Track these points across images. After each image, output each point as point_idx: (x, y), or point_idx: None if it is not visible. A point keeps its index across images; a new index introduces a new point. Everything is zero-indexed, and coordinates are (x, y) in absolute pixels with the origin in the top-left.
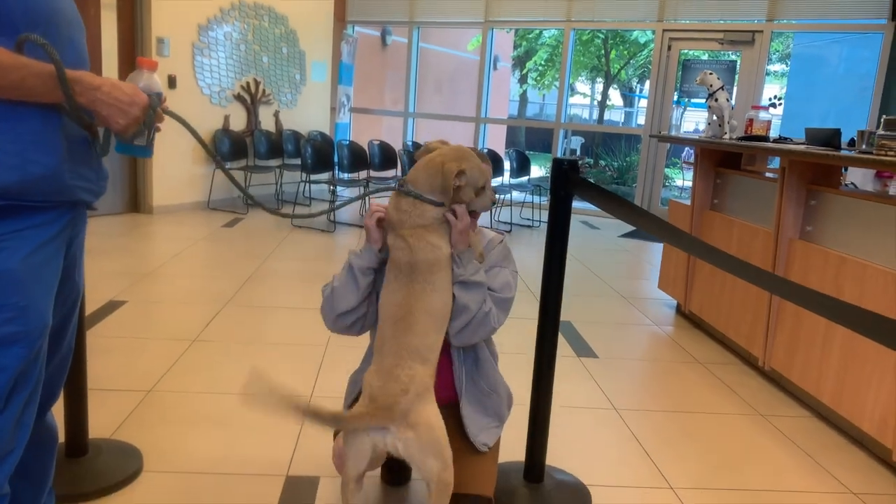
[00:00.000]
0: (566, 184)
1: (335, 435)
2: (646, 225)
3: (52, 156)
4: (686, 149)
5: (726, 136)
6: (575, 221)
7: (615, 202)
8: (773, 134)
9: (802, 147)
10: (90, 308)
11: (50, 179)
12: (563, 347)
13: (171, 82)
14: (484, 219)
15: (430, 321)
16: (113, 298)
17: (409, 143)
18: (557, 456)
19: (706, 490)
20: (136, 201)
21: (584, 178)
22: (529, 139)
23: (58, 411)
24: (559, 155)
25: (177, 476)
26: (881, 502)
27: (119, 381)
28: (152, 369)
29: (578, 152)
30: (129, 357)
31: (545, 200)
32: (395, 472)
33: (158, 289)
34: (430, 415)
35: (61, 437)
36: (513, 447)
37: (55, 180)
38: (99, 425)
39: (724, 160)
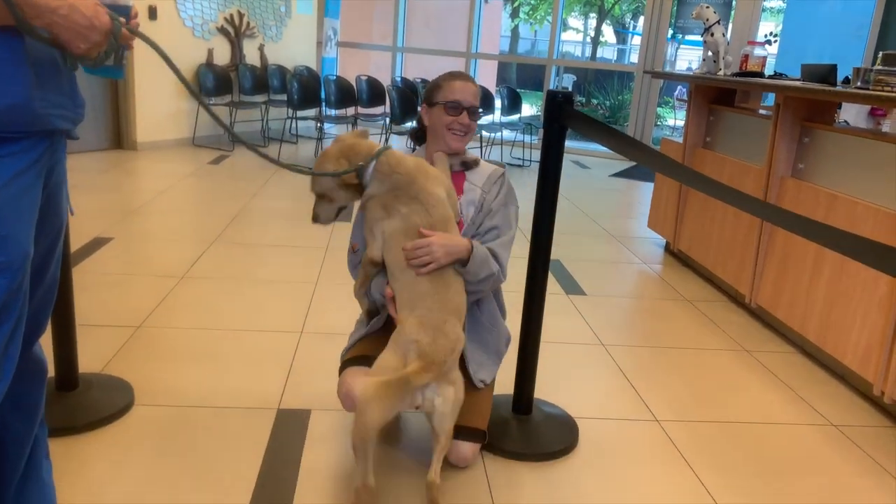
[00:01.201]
0: (560, 116)
1: (340, 371)
2: (640, 157)
3: (20, 85)
4: (679, 87)
5: (721, 73)
6: (565, 161)
7: (610, 134)
8: (769, 72)
9: (798, 83)
10: (75, 244)
11: (20, 109)
12: (551, 285)
13: (152, 13)
14: None
15: (460, 280)
16: (99, 235)
17: (398, 79)
18: (545, 389)
19: (690, 422)
20: (119, 137)
21: (578, 110)
22: (521, 76)
23: (47, 346)
24: None
25: (168, 409)
26: (860, 433)
27: (107, 317)
28: (141, 305)
29: (571, 90)
30: (116, 293)
31: (536, 140)
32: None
33: (145, 226)
34: (460, 374)
35: (52, 372)
36: (502, 381)
37: (25, 110)
38: (89, 360)
39: (717, 97)
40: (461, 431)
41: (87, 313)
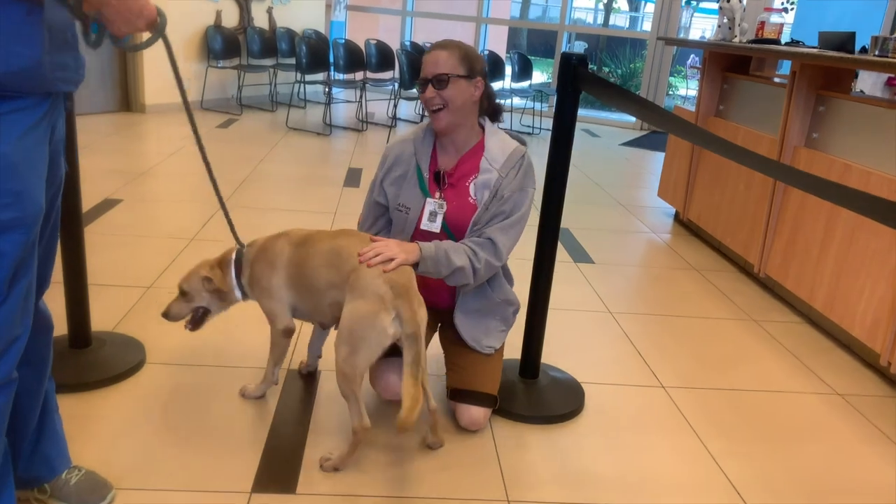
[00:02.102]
0: (574, 79)
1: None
2: (653, 118)
3: (35, 48)
4: (692, 55)
5: (736, 39)
6: (576, 129)
7: (624, 97)
8: (785, 39)
9: (815, 51)
10: (85, 206)
11: (31, 73)
12: (560, 253)
13: None
14: None
15: None
16: (108, 196)
17: (407, 43)
18: (553, 355)
19: (695, 389)
20: (127, 100)
21: (592, 72)
22: (531, 42)
23: (60, 305)
24: None
25: (179, 368)
26: (866, 403)
27: (119, 277)
28: (151, 266)
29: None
30: (127, 254)
31: (546, 108)
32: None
33: (154, 188)
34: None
35: (65, 330)
36: (509, 346)
37: (36, 74)
38: (101, 319)
39: (732, 65)
40: (473, 396)
41: (98, 273)
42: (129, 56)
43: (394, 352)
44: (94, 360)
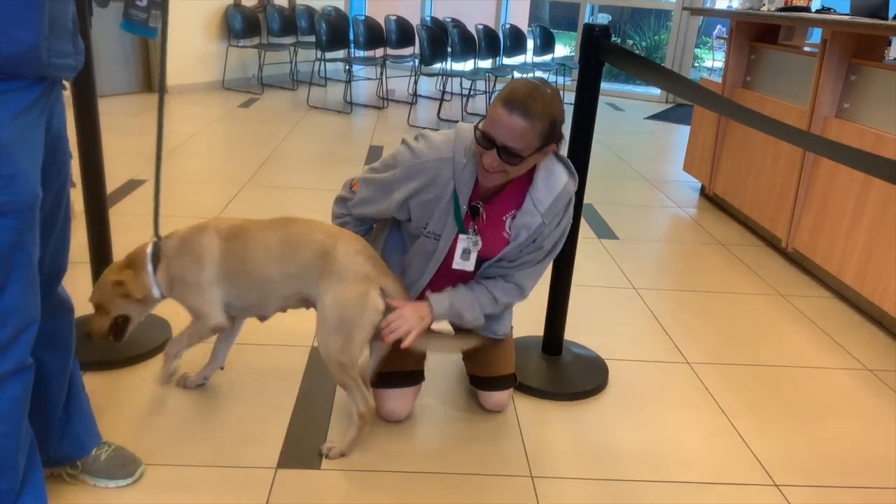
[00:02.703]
0: (597, 51)
1: (372, 383)
2: (677, 88)
3: (32, 32)
4: (718, 25)
5: (765, 8)
6: (600, 103)
7: (648, 68)
8: (815, 6)
9: (846, 17)
10: (111, 186)
11: (27, 56)
12: (583, 229)
13: None
14: None
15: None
16: (133, 177)
17: (428, 19)
18: (576, 332)
19: (722, 365)
20: (149, 80)
21: (615, 44)
22: (553, 15)
23: (86, 284)
24: None
25: (204, 345)
26: None
27: None
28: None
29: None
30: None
31: (569, 81)
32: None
33: (177, 168)
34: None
35: (91, 310)
36: (533, 323)
37: (32, 57)
38: None
39: (760, 34)
40: (495, 382)
41: (123, 253)
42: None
43: (395, 381)
44: None
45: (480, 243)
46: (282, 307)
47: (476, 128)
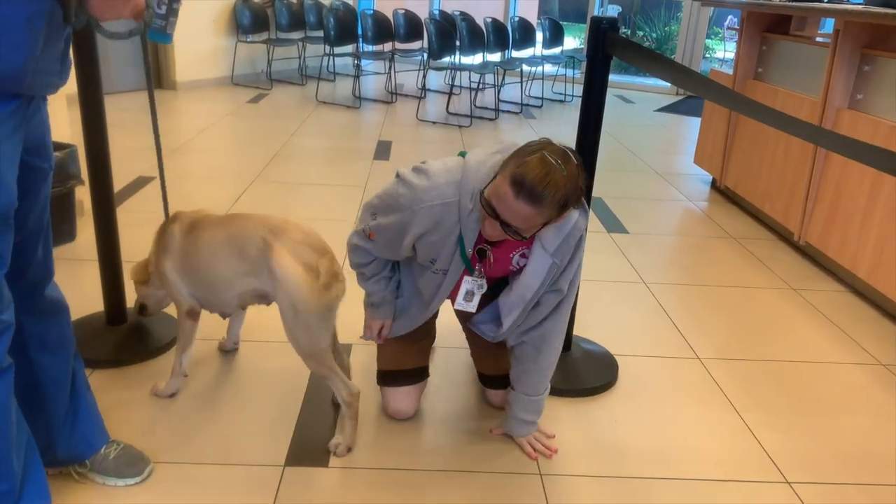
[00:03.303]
0: (605, 44)
1: (378, 382)
2: (688, 83)
3: (22, 54)
4: (729, 16)
5: None
6: (609, 96)
7: (657, 61)
8: None
9: (859, 7)
10: (119, 184)
11: (11, 77)
12: (593, 223)
13: None
14: (515, 95)
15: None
16: (141, 174)
17: (436, 12)
18: (585, 327)
19: (733, 360)
20: (158, 77)
21: (623, 37)
22: (563, 7)
23: (95, 282)
24: None
25: (212, 343)
26: None
27: None
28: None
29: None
30: None
31: (579, 74)
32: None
33: (186, 164)
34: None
35: (101, 308)
36: None
37: (17, 78)
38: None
39: (771, 25)
40: (504, 380)
41: (132, 250)
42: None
43: (399, 379)
44: (130, 336)
45: (485, 287)
46: (240, 304)
47: (482, 193)
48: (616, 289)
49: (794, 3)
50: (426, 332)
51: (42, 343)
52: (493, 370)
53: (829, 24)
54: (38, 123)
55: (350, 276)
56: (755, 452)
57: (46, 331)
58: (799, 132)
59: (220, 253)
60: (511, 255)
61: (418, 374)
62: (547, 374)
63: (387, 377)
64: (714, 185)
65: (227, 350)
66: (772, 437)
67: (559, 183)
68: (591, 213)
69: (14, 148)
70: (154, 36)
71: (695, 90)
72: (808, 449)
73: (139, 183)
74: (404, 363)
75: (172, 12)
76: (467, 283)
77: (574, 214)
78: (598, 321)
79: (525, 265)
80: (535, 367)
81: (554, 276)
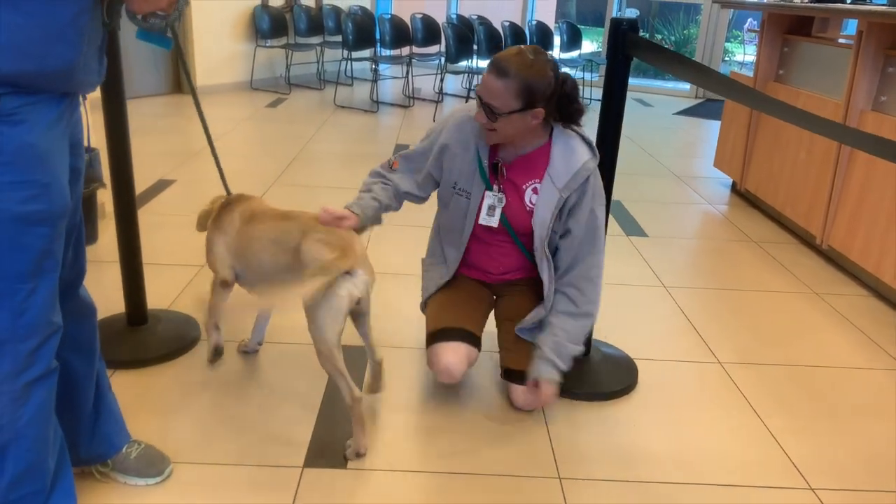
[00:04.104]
0: (625, 46)
1: (428, 342)
2: (710, 83)
3: (74, 50)
4: (749, 18)
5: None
6: (628, 99)
7: (678, 61)
8: None
9: (883, 8)
10: (140, 186)
11: (65, 73)
12: (611, 227)
13: None
14: None
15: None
16: (162, 177)
17: (454, 16)
18: (605, 331)
19: (754, 365)
20: (179, 82)
21: (643, 38)
22: (581, 11)
23: (116, 284)
24: None
25: (232, 343)
26: None
27: (173, 256)
28: (204, 245)
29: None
30: (181, 234)
31: (597, 77)
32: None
33: (206, 168)
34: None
35: (122, 309)
36: None
37: (69, 74)
38: (157, 297)
39: (793, 27)
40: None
41: (153, 253)
42: (180, 38)
43: (449, 334)
44: (151, 337)
45: (505, 200)
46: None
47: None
48: (635, 292)
49: (816, 5)
50: (480, 297)
51: (76, 344)
52: (519, 364)
53: (851, 26)
54: (74, 123)
55: (378, 278)
56: (778, 458)
57: (79, 331)
58: (824, 130)
59: (266, 250)
60: (524, 186)
61: (469, 336)
62: (583, 323)
63: (436, 335)
64: (734, 189)
65: (248, 351)
66: (795, 442)
67: (524, 64)
68: (611, 217)
69: (66, 149)
70: (152, 38)
71: (716, 90)
72: (832, 455)
73: (160, 186)
74: (455, 322)
75: (177, 15)
76: (488, 197)
77: (585, 154)
78: (617, 325)
79: (538, 202)
80: (575, 310)
81: (564, 212)
